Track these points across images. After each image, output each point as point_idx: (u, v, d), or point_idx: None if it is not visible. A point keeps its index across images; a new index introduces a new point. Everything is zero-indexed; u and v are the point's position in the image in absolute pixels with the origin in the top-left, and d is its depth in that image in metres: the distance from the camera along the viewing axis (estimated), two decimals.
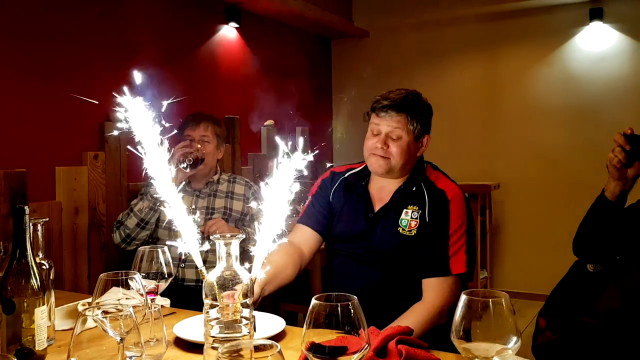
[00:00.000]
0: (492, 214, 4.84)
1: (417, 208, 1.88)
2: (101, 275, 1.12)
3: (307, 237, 1.98)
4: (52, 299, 1.48)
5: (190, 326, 1.49)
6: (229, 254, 1.06)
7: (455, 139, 5.02)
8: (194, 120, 2.66)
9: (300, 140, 1.06)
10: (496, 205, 4.95)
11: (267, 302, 2.34)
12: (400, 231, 1.87)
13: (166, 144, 1.13)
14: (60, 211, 3.02)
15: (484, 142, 5.02)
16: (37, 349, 1.31)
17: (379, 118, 1.91)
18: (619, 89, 4.56)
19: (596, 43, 4.63)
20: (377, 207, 1.94)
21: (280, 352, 0.66)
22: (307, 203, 2.07)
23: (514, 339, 0.90)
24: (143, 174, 1.14)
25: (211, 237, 1.10)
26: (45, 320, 1.34)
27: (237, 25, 4.27)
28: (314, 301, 0.90)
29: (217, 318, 1.06)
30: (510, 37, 4.94)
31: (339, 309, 0.89)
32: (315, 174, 2.19)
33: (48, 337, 1.36)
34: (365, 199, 1.96)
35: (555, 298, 1.93)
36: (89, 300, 1.57)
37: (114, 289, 1.25)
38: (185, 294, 2.25)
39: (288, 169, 1.05)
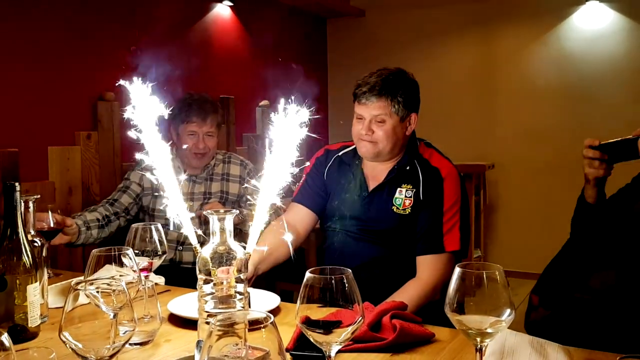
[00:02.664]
0: (486, 193, 4.85)
1: (411, 186, 1.88)
2: (93, 251, 1.11)
3: (301, 216, 1.99)
4: (45, 277, 1.47)
5: (185, 303, 1.49)
6: (222, 229, 1.05)
7: (451, 118, 5.00)
8: (199, 115, 2.48)
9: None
10: (490, 185, 4.96)
11: (262, 281, 2.34)
12: (395, 210, 1.88)
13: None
14: (54, 191, 3.00)
15: (479, 121, 5.01)
16: (30, 325, 1.31)
17: (360, 105, 1.89)
18: (615, 68, 4.54)
19: (592, 22, 4.60)
20: (371, 186, 1.94)
21: (273, 323, 0.66)
22: (301, 181, 2.06)
23: (508, 311, 0.90)
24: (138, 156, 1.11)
25: (205, 213, 1.09)
26: (38, 297, 1.33)
27: (231, 4, 4.22)
28: (308, 274, 0.90)
29: (211, 293, 1.05)
30: (506, 16, 4.89)
31: (333, 282, 0.89)
32: (311, 155, 2.17)
33: (41, 315, 1.36)
34: (359, 178, 1.96)
35: (548, 274, 1.94)
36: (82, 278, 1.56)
37: (107, 266, 1.24)
38: (182, 275, 2.24)
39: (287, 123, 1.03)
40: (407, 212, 1.87)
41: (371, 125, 1.87)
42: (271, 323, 0.65)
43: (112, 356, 0.86)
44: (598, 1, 4.53)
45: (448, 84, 5.00)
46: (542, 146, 4.80)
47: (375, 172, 1.96)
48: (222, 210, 1.07)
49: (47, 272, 1.54)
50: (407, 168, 1.91)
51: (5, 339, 0.76)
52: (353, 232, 1.93)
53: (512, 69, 4.93)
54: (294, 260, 1.62)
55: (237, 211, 1.10)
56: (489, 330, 0.90)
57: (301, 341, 1.21)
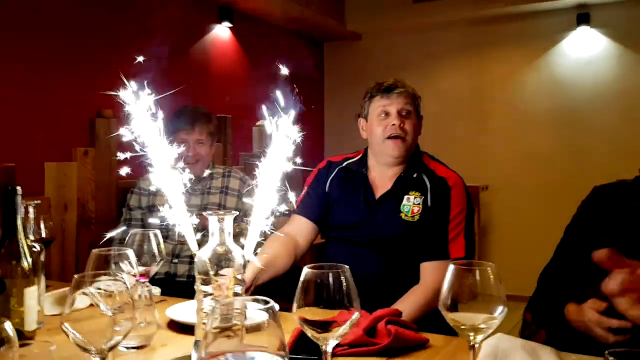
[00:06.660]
0: (479, 215, 4.88)
1: (419, 194, 1.90)
2: (93, 250, 1.12)
3: (302, 227, 1.99)
4: (43, 283, 1.48)
5: (183, 309, 1.50)
6: (222, 230, 1.07)
7: (444, 140, 5.05)
8: (188, 122, 2.53)
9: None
10: (484, 206, 4.99)
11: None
12: (403, 217, 1.88)
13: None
14: (49, 207, 3.00)
15: (473, 144, 5.07)
16: (26, 329, 1.31)
17: (387, 99, 1.93)
18: (605, 93, 4.62)
19: (583, 48, 4.70)
20: (378, 194, 1.95)
21: (272, 308, 0.67)
22: (303, 193, 2.07)
23: (500, 307, 0.92)
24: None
25: (205, 214, 1.11)
26: (35, 301, 1.34)
27: (230, 25, 4.29)
28: (306, 269, 0.91)
29: (210, 293, 1.07)
30: (499, 41, 5.00)
31: (330, 278, 0.90)
32: (305, 177, 2.19)
33: (37, 321, 1.36)
34: (366, 185, 1.97)
35: (539, 291, 1.95)
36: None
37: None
38: (177, 288, 2.24)
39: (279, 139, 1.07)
40: (416, 220, 1.87)
41: (400, 118, 1.91)
42: (270, 307, 0.67)
43: (111, 348, 0.88)
44: (589, 27, 4.63)
45: (442, 107, 5.07)
46: (534, 169, 4.85)
47: (382, 180, 1.97)
48: (221, 212, 1.09)
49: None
50: (414, 176, 1.93)
51: (9, 327, 0.77)
52: (358, 241, 1.92)
53: (504, 93, 5.01)
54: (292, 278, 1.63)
55: (237, 212, 1.12)
56: (482, 326, 0.92)
57: (297, 345, 1.22)
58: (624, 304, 0.97)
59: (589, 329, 1.48)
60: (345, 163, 2.06)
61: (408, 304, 1.72)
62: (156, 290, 1.80)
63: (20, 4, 2.93)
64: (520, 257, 4.89)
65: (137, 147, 1.15)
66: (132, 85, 1.19)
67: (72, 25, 3.18)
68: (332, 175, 2.04)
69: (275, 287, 1.67)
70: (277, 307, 1.48)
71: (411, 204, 1.89)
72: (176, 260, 2.44)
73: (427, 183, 1.91)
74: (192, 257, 2.50)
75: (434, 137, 5.12)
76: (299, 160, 1.15)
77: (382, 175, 1.98)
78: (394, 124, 1.90)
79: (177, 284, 2.36)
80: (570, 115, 4.73)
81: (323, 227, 2.04)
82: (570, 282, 1.75)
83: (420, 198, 1.89)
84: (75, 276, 0.86)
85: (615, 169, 1.91)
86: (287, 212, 1.20)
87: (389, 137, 1.91)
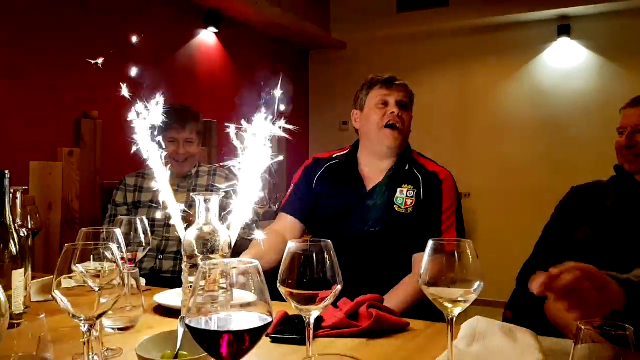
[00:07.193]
0: None
1: (412, 187, 1.92)
2: (82, 229, 1.14)
3: (289, 226, 2.00)
4: (30, 269, 1.49)
5: (170, 296, 1.52)
6: (208, 210, 1.10)
7: (427, 147, 5.03)
8: (178, 121, 2.56)
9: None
10: (466, 213, 5.02)
11: None
12: (397, 209, 1.90)
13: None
14: (35, 206, 3.00)
15: (455, 151, 5.14)
16: (13, 312, 1.32)
17: (387, 89, 1.98)
18: (585, 104, 4.72)
19: (563, 59, 4.80)
20: (369, 186, 1.97)
21: (257, 266, 0.70)
22: (289, 191, 2.08)
23: (478, 282, 0.96)
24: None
25: (191, 195, 1.14)
26: (23, 284, 1.35)
27: (216, 30, 4.33)
28: (290, 243, 0.95)
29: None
30: (481, 51, 5.09)
31: (314, 253, 0.93)
32: (289, 185, 2.20)
33: (24, 306, 1.37)
34: (356, 177, 1.99)
35: (518, 288, 2.00)
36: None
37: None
38: (162, 284, 2.26)
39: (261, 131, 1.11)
40: (409, 212, 1.89)
41: (398, 108, 1.95)
42: (254, 266, 0.70)
43: (99, 316, 0.90)
44: (569, 38, 4.74)
45: (425, 115, 5.12)
46: (516, 177, 4.93)
47: (373, 172, 1.99)
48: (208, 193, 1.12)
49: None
50: (406, 168, 1.96)
51: (1, 293, 0.79)
52: (348, 234, 1.91)
53: (486, 102, 5.10)
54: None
55: (223, 193, 1.15)
56: (459, 299, 0.95)
57: (280, 327, 1.25)
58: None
59: (570, 325, 1.52)
60: (334, 156, 2.07)
61: (401, 294, 1.74)
62: (142, 281, 1.81)
63: (3, 9, 2.94)
64: (501, 264, 4.94)
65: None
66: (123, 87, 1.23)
67: (59, 26, 3.20)
68: (319, 172, 2.04)
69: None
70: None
71: (404, 196, 1.91)
72: (161, 256, 2.45)
73: (419, 177, 1.94)
74: (177, 253, 2.52)
75: (417, 145, 5.13)
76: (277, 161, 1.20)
77: (373, 168, 2.00)
78: (392, 112, 1.94)
79: (162, 280, 2.38)
80: (551, 124, 4.83)
81: (310, 224, 2.04)
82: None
83: (413, 191, 1.92)
84: (67, 245, 0.88)
85: (594, 178, 1.96)
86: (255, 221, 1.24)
87: (386, 126, 1.94)
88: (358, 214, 1.93)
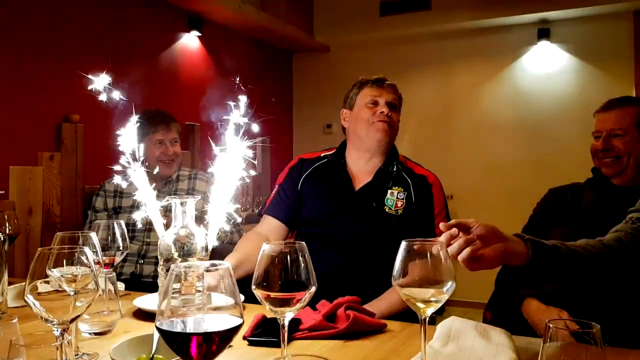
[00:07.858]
0: None
1: (402, 189, 1.91)
2: (57, 233, 1.14)
3: (272, 228, 1.97)
4: (6, 275, 1.48)
5: (149, 300, 1.52)
6: (184, 212, 1.10)
7: (410, 149, 5.12)
8: (163, 122, 2.61)
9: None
10: (450, 215, 5.08)
11: None
12: (387, 210, 1.89)
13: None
14: (14, 211, 2.97)
15: (438, 153, 5.17)
16: None
17: (378, 89, 1.99)
18: (565, 106, 4.78)
19: (544, 62, 4.86)
20: (357, 186, 1.95)
21: (229, 269, 0.71)
22: (273, 192, 2.06)
23: (450, 283, 0.97)
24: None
25: (168, 199, 1.14)
26: None
27: (199, 34, 4.32)
28: (264, 245, 0.95)
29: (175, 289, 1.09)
30: (463, 54, 5.14)
31: (288, 255, 0.94)
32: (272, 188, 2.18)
33: (0, 311, 1.36)
34: (344, 177, 1.97)
35: (497, 288, 2.02)
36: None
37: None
38: (143, 289, 2.25)
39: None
40: (400, 213, 1.88)
41: (388, 107, 1.96)
42: (226, 268, 0.70)
43: (72, 320, 0.90)
44: (549, 42, 4.80)
45: (408, 117, 5.14)
46: (498, 178, 4.98)
47: (361, 173, 1.98)
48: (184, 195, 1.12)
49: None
50: (394, 169, 1.95)
51: None
52: (337, 235, 1.89)
53: (468, 104, 5.14)
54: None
55: (200, 197, 1.16)
56: (432, 299, 0.97)
57: (258, 329, 1.25)
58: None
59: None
60: (323, 155, 2.05)
61: (395, 297, 1.70)
62: (120, 286, 1.80)
63: None
64: None
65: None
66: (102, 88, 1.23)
67: (40, 28, 3.18)
68: (305, 173, 2.01)
69: (247, 286, 1.69)
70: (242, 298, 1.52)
71: (395, 198, 1.90)
72: (142, 261, 2.44)
73: (409, 180, 1.93)
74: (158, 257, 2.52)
75: (399, 147, 5.22)
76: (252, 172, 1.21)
77: (361, 168, 1.98)
78: (382, 112, 1.94)
79: (143, 284, 2.37)
80: (531, 126, 4.88)
81: (294, 226, 2.01)
82: (525, 276, 1.82)
83: (404, 193, 1.90)
84: (40, 249, 0.88)
85: (574, 179, 1.99)
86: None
87: (378, 120, 1.93)
88: (347, 214, 1.90)
